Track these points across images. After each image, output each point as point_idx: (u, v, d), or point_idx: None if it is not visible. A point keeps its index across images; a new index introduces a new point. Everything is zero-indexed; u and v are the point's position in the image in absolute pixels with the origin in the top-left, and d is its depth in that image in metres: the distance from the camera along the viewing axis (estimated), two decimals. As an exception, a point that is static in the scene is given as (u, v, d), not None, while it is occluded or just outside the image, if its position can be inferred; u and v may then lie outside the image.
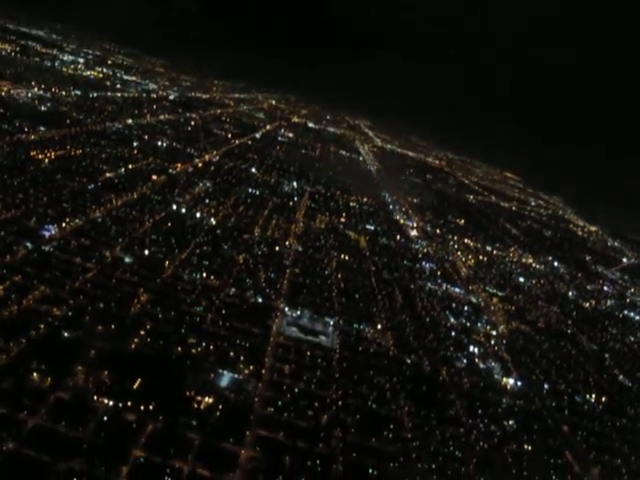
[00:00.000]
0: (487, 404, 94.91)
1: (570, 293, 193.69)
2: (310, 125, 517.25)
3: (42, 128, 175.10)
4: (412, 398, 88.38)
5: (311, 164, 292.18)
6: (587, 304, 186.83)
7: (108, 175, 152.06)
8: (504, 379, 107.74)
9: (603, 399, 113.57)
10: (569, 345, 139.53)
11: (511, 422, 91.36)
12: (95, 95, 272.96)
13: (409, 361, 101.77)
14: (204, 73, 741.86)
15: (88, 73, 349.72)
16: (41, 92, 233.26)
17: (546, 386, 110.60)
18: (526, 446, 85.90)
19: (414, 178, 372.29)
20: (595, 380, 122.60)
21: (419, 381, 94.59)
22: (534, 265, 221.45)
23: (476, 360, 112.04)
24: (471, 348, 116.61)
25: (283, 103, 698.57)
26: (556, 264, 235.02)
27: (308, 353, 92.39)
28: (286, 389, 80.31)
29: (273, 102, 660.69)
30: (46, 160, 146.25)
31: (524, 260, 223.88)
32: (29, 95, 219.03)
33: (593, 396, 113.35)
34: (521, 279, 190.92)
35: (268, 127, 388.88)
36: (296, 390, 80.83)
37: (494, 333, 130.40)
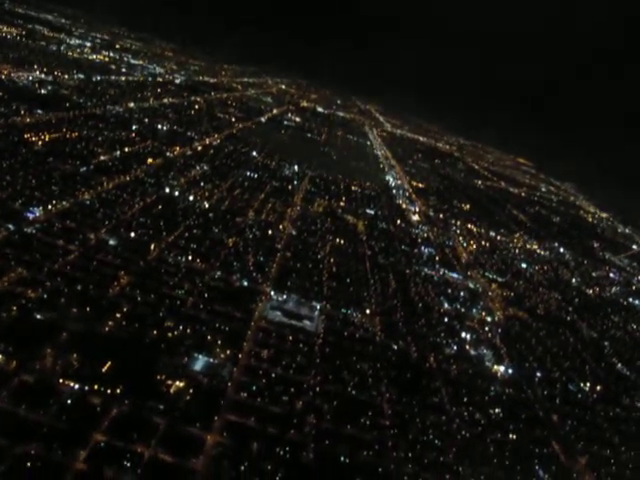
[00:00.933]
0: (474, 392, 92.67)
1: (574, 280, 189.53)
2: (319, 110, 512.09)
3: (39, 111, 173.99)
4: (395, 385, 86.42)
5: (316, 148, 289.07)
6: (590, 291, 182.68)
7: (102, 158, 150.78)
8: (495, 366, 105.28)
9: (598, 388, 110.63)
10: (567, 332, 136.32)
11: (497, 410, 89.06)
12: (98, 79, 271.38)
13: (396, 347, 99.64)
14: (215, 57, 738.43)
15: (94, 57, 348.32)
16: (43, 75, 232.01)
17: (539, 374, 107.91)
18: (511, 435, 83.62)
19: (422, 163, 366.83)
20: (591, 368, 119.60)
21: (404, 367, 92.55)
22: (538, 251, 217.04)
23: (467, 347, 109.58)
24: (463, 334, 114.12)
25: (293, 88, 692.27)
26: (562, 250, 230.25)
27: (290, 338, 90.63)
28: (262, 374, 78.70)
29: (283, 87, 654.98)
30: (39, 143, 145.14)
31: (528, 246, 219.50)
32: (30, 78, 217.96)
33: (588, 385, 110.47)
34: (523, 265, 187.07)
35: (275, 111, 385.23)
36: (273, 375, 79.24)
37: (489, 319, 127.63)
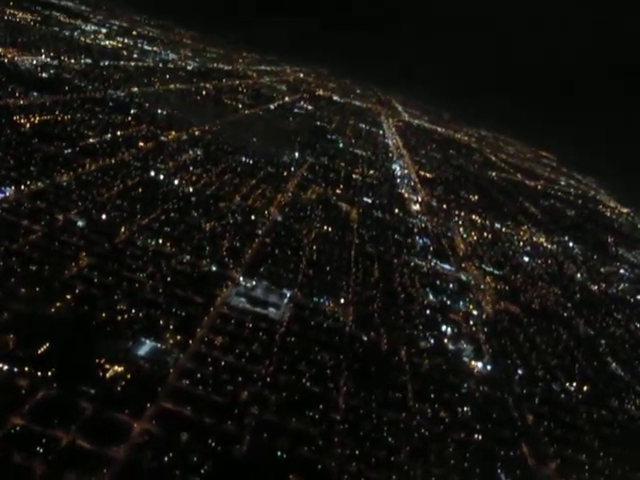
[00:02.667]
0: (443, 388, 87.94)
1: (579, 275, 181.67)
2: (335, 98, 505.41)
3: (35, 94, 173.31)
4: (355, 378, 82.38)
5: (322, 136, 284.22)
6: (595, 287, 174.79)
7: (91, 141, 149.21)
8: (472, 362, 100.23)
9: (585, 388, 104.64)
10: (561, 329, 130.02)
11: (466, 409, 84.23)
12: (106, 64, 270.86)
13: (366, 338, 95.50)
14: (235, 45, 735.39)
15: (106, 43, 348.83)
16: (48, 59, 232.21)
17: (520, 372, 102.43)
18: (476, 435, 78.86)
19: (435, 153, 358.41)
20: (581, 367, 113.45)
21: (370, 360, 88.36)
22: (545, 244, 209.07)
23: (445, 341, 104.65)
24: (443, 328, 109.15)
25: (312, 77, 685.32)
26: (571, 244, 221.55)
27: (250, 325, 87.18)
28: (211, 361, 75.49)
29: (301, 75, 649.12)
30: (27, 125, 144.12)
31: (535, 239, 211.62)
32: (34, 62, 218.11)
33: (574, 385, 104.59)
34: (525, 258, 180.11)
35: (287, 99, 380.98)
36: (222, 363, 75.99)
37: (475, 313, 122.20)
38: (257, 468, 60.24)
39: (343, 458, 65.62)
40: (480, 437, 78.72)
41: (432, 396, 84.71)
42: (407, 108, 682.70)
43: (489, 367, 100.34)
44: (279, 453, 63.22)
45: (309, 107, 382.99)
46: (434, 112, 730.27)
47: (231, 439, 62.88)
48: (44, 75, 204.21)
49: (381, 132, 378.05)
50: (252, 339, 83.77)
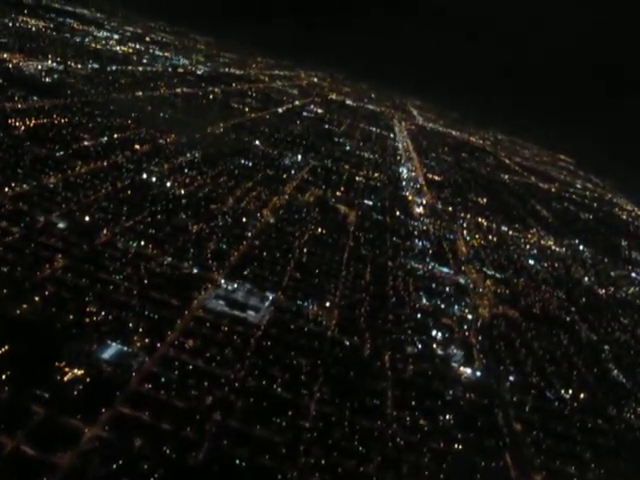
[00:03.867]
0: (426, 395, 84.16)
1: (586, 278, 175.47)
2: (348, 102, 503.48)
3: (35, 98, 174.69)
4: (331, 384, 79.25)
5: (329, 139, 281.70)
6: (603, 291, 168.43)
7: (85, 143, 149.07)
8: (461, 368, 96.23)
9: (581, 396, 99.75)
10: (562, 334, 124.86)
11: (448, 417, 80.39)
12: (113, 69, 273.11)
13: (348, 343, 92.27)
14: (250, 50, 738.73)
15: (117, 48, 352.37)
16: (54, 65, 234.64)
17: (511, 378, 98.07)
18: (456, 445, 75.01)
19: (446, 156, 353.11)
20: (580, 374, 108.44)
21: (349, 365, 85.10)
22: (554, 248, 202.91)
23: (434, 346, 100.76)
24: (434, 332, 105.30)
25: (327, 81, 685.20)
26: (581, 247, 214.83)
27: (225, 328, 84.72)
28: (178, 365, 73.08)
29: (315, 79, 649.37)
30: (22, 128, 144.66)
31: (543, 242, 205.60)
32: (39, 67, 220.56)
33: (570, 392, 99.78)
34: (530, 262, 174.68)
35: (297, 102, 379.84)
36: (190, 367, 73.60)
37: (470, 317, 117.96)
38: (211, 477, 57.66)
39: (307, 468, 62.55)
40: (460, 447, 74.82)
41: (413, 403, 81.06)
42: (422, 112, 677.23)
43: (479, 373, 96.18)
44: (237, 462, 60.49)
45: (319, 111, 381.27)
46: (450, 116, 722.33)
47: (188, 446, 60.33)
48: (47, 80, 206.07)
49: (392, 135, 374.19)
50: (225, 343, 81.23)
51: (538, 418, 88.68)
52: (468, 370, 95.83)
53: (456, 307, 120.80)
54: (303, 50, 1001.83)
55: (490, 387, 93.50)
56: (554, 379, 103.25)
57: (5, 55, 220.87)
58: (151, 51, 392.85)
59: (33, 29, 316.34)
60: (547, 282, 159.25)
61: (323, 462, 64.06)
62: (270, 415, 69.06)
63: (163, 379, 69.75)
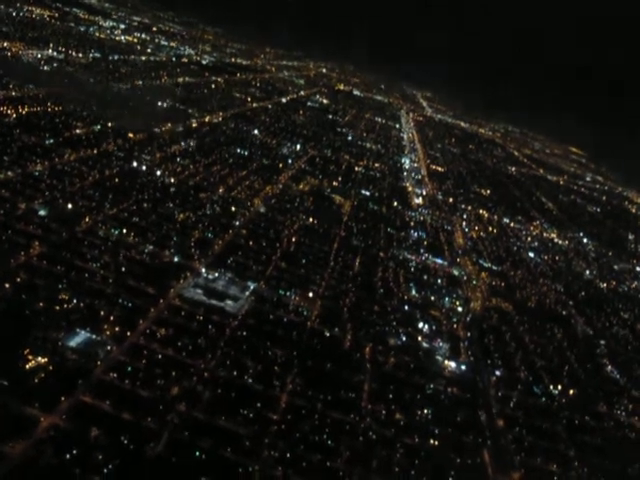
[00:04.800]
0: (405, 388, 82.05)
1: (587, 272, 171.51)
2: (355, 93, 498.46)
3: (31, 86, 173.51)
4: (306, 376, 77.33)
5: (332, 129, 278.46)
6: (604, 284, 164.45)
7: (77, 132, 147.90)
8: (445, 362, 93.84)
9: (571, 392, 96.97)
10: (557, 328, 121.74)
11: (426, 411, 78.22)
12: (115, 58, 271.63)
13: (328, 334, 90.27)
14: (259, 41, 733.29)
15: (122, 38, 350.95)
16: (54, 53, 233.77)
17: (498, 373, 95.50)
18: (431, 441, 72.87)
19: (452, 148, 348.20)
20: (571, 369, 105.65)
21: (327, 357, 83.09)
22: (556, 240, 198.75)
23: (419, 338, 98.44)
24: (420, 325, 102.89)
25: (336, 72, 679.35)
26: (585, 240, 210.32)
27: (200, 318, 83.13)
28: (146, 354, 71.65)
29: (324, 70, 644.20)
30: (14, 116, 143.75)
31: (545, 235, 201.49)
32: (38, 56, 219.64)
33: (559, 388, 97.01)
34: (530, 254, 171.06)
35: (302, 93, 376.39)
36: (159, 357, 72.09)
37: (460, 310, 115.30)
38: (167, 469, 56.12)
39: (269, 461, 60.82)
40: (436, 443, 72.69)
41: (390, 397, 78.98)
42: (432, 104, 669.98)
43: (463, 367, 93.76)
44: (197, 454, 58.92)
45: (325, 101, 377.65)
46: (461, 108, 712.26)
47: (147, 437, 58.86)
48: (45, 68, 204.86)
49: (397, 126, 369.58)
50: (199, 332, 79.64)
51: (522, 414, 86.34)
52: (452, 364, 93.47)
53: (447, 299, 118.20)
54: (314, 41, 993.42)
55: (474, 381, 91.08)
56: (543, 374, 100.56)
57: (5, 44, 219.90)
58: (156, 41, 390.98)
59: (37, 18, 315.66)
60: (546, 275, 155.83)
61: (288, 456, 62.27)
62: (237, 407, 67.41)
63: (129, 368, 68.35)
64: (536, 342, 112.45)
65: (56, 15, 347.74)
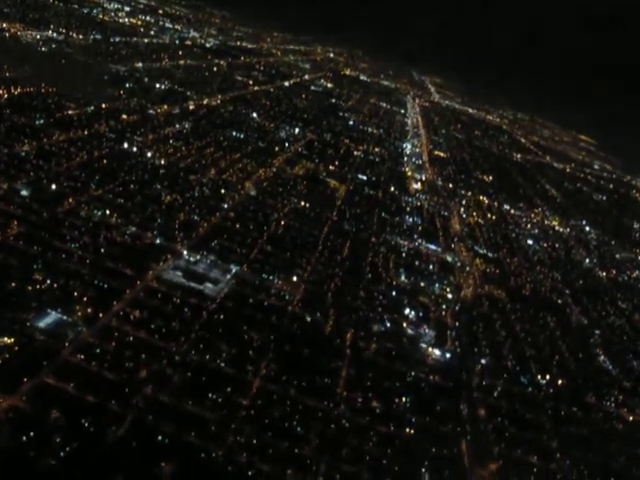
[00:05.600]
0: (384, 376, 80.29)
1: (587, 260, 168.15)
2: (362, 78, 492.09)
3: (26, 67, 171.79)
4: (282, 361, 75.78)
5: (333, 113, 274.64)
6: (604, 273, 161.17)
7: (70, 112, 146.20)
8: (430, 349, 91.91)
9: (559, 382, 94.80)
10: (550, 317, 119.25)
11: (405, 400, 76.47)
12: (116, 40, 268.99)
13: (309, 319, 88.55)
14: (267, 25, 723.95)
15: (125, 20, 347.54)
16: (54, 35, 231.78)
17: (483, 361, 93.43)
18: (407, 430, 71.16)
19: (457, 133, 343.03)
20: (562, 359, 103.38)
21: (305, 342, 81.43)
22: (557, 228, 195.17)
23: (404, 325, 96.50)
24: (407, 311, 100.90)
25: (343, 56, 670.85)
26: (588, 229, 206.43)
27: (177, 300, 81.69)
28: (117, 336, 70.32)
29: (331, 55, 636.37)
30: (5, 96, 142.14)
31: (546, 222, 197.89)
32: (37, 37, 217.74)
33: (547, 377, 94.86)
34: (529, 241, 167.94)
35: (306, 77, 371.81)
36: (130, 339, 70.76)
37: (450, 296, 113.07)
38: (127, 453, 54.93)
39: (234, 447, 59.47)
40: (412, 432, 71.00)
41: (368, 384, 77.28)
42: (441, 90, 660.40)
43: (448, 355, 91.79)
44: (160, 438, 57.69)
45: (329, 85, 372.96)
46: (470, 94, 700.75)
47: (109, 420, 57.65)
48: (43, 49, 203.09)
49: (402, 111, 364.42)
50: (174, 315, 78.20)
51: (506, 404, 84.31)
52: (437, 351, 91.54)
53: (437, 285, 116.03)
54: (324, 25, 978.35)
55: (458, 370, 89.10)
56: (532, 364, 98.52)
57: (4, 25, 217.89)
58: (161, 24, 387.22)
59: (40, 0, 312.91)
60: (543, 263, 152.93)
61: (254, 442, 60.89)
62: (207, 391, 66.03)
63: (98, 350, 67.03)
64: (527, 331, 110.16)
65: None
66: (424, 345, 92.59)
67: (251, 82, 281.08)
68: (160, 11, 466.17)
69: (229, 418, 63.10)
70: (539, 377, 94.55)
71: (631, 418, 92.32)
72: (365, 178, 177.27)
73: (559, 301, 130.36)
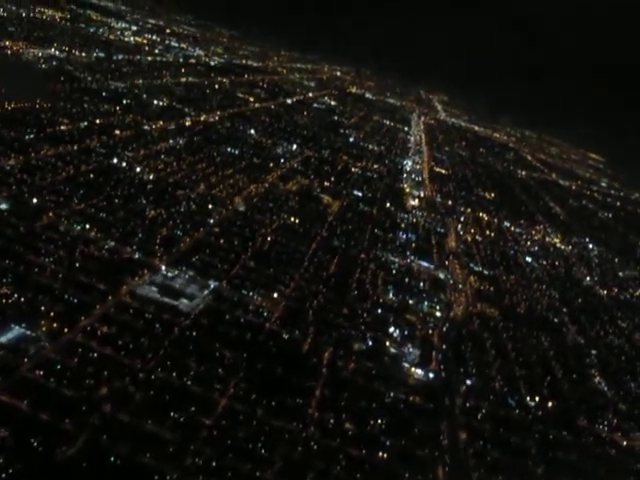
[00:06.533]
0: (361, 396, 77.14)
1: (588, 278, 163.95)
2: (367, 96, 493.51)
3: (22, 83, 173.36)
4: (253, 380, 73.12)
5: (334, 130, 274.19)
6: (605, 291, 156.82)
7: (62, 128, 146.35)
8: (413, 369, 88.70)
9: (550, 404, 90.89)
10: (544, 336, 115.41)
11: (380, 421, 73.23)
12: (119, 57, 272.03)
13: (286, 337, 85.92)
14: (276, 44, 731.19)
15: (131, 39, 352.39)
16: (57, 52, 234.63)
17: (469, 382, 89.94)
18: (380, 453, 67.92)
19: (461, 151, 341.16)
20: (554, 380, 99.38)
21: (279, 361, 78.66)
22: (558, 245, 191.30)
23: (387, 343, 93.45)
24: (391, 329, 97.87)
25: (350, 75, 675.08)
26: (590, 246, 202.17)
27: (148, 316, 79.61)
28: (81, 353, 68.23)
29: (338, 73, 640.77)
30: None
31: (547, 239, 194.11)
32: (39, 54, 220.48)
33: (537, 399, 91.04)
34: (528, 259, 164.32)
35: (310, 94, 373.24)
36: (94, 355, 68.60)
37: (439, 315, 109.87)
38: (75, 474, 52.45)
39: (191, 469, 56.72)
40: (384, 455, 67.72)
41: (342, 404, 74.24)
42: (448, 108, 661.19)
43: (432, 375, 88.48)
44: (112, 459, 55.13)
45: (332, 103, 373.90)
46: (478, 113, 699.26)
47: (61, 440, 55.28)
48: (43, 67, 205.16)
49: (406, 129, 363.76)
50: (144, 331, 76.01)
51: (490, 427, 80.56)
52: (420, 371, 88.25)
53: (426, 303, 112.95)
54: (332, 44, 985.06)
55: (441, 391, 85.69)
56: (522, 385, 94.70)
57: (7, 43, 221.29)
58: (166, 42, 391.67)
59: (47, 19, 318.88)
60: (541, 280, 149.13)
61: (213, 464, 58.11)
62: (169, 410, 63.51)
63: (59, 366, 64.98)
64: (519, 350, 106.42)
65: (68, 16, 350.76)
66: (407, 365, 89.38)
67: (252, 99, 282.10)
68: (168, 30, 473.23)
69: (189, 438, 60.47)
70: (528, 399, 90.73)
71: (625, 443, 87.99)
72: (360, 194, 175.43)
73: (555, 320, 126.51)
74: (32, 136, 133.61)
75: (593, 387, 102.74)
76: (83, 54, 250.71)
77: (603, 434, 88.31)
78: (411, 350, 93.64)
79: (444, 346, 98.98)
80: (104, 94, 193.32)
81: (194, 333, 79.14)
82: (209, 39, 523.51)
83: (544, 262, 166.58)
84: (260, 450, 62.20)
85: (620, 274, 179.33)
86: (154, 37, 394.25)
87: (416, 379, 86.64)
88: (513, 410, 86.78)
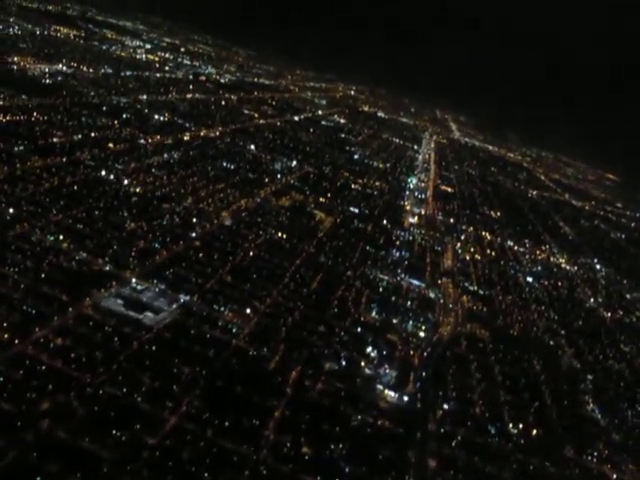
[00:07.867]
0: (325, 419, 72.99)
1: (592, 300, 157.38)
2: (379, 114, 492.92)
3: (23, 96, 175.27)
4: (208, 398, 69.62)
5: (339, 147, 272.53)
6: (609, 314, 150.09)
7: (54, 140, 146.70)
8: (386, 391, 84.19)
9: (534, 432, 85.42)
10: (537, 359, 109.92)
11: (341, 446, 68.90)
12: (127, 74, 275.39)
13: (253, 354, 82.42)
14: (292, 63, 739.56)
15: (143, 57, 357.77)
16: (63, 68, 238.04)
17: (446, 406, 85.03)
18: None
19: (472, 170, 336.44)
20: (542, 406, 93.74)
21: (241, 379, 75.12)
22: (563, 266, 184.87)
23: (362, 364, 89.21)
24: (369, 349, 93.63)
25: (364, 94, 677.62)
26: (598, 267, 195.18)
27: (108, 329, 76.87)
28: (28, 365, 65.64)
29: (352, 92, 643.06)
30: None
31: (552, 260, 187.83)
32: (45, 70, 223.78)
33: (520, 426, 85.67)
34: (528, 279, 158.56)
35: (319, 112, 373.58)
36: (42, 368, 65.97)
37: (423, 335, 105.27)
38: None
39: (128, 491, 53.31)
40: (342, 483, 63.35)
41: (302, 427, 70.18)
42: (463, 127, 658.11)
43: (406, 398, 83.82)
44: (38, 479, 51.98)
45: (342, 120, 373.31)
46: (493, 133, 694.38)
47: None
48: (48, 81, 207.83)
49: (415, 147, 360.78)
50: (100, 344, 73.26)
51: (464, 455, 75.51)
52: (393, 393, 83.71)
53: (411, 323, 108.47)
54: (349, 64, 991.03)
55: (415, 415, 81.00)
56: (505, 410, 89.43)
57: (16, 58, 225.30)
58: (179, 60, 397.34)
59: (61, 37, 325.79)
60: (540, 301, 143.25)
61: (153, 487, 54.60)
62: (111, 427, 60.26)
63: (1, 379, 62.38)
64: (506, 374, 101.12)
65: (82, 35, 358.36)
66: (380, 387, 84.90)
67: (257, 116, 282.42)
68: (182, 49, 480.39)
69: (127, 459, 57.04)
70: (510, 426, 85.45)
71: (615, 476, 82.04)
72: (357, 211, 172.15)
73: (551, 342, 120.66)
74: (22, 148, 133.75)
75: (585, 414, 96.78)
76: (91, 70, 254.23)
77: (591, 466, 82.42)
78: (387, 371, 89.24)
79: (424, 368, 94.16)
80: (104, 108, 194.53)
81: (153, 348, 76.13)
82: (224, 58, 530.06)
83: (546, 282, 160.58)
84: (203, 473, 58.47)
85: (627, 296, 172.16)
86: (167, 55, 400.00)
87: (388, 402, 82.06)
88: (492, 437, 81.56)
